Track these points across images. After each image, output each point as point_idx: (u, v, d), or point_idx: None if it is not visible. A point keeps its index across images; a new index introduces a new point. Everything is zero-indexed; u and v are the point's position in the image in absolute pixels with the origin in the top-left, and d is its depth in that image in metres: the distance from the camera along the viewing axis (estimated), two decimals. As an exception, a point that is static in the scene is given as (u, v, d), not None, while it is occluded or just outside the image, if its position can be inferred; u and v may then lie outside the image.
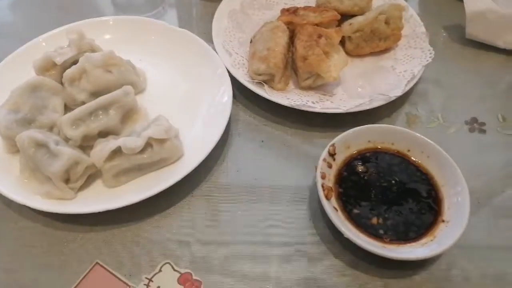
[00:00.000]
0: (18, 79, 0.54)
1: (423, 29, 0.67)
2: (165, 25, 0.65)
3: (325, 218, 0.49)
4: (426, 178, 0.50)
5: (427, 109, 0.62)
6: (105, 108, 0.52)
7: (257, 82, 0.59)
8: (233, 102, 0.56)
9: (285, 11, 0.67)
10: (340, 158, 0.52)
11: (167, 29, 0.64)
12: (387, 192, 0.49)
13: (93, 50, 0.59)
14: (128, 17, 0.66)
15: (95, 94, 0.54)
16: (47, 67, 0.57)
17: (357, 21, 0.65)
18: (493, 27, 0.69)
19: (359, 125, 0.52)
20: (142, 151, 0.48)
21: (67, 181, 0.47)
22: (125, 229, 0.48)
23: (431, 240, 0.45)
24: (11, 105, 0.52)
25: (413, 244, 0.45)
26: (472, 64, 0.69)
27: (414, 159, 0.52)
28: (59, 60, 0.56)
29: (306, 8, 0.67)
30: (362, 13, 0.67)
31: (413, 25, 0.68)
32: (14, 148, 0.50)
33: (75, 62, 0.56)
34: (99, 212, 0.46)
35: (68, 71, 0.55)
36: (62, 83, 0.56)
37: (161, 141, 0.49)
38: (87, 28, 0.60)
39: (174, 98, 0.59)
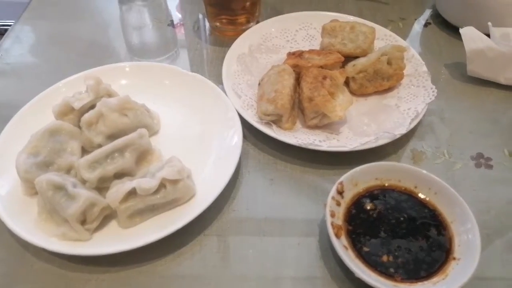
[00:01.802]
0: (38, 123, 0.57)
1: (424, 68, 0.70)
2: (177, 70, 0.68)
3: (335, 255, 0.49)
4: (434, 215, 0.51)
5: (432, 145, 0.64)
6: (120, 150, 0.54)
7: (265, 122, 0.61)
8: (243, 142, 0.58)
9: (291, 54, 0.70)
10: (348, 195, 0.53)
11: (180, 74, 0.68)
12: (396, 230, 0.49)
13: (109, 95, 0.62)
14: (143, 63, 0.69)
15: (111, 137, 0.57)
16: (66, 111, 0.60)
17: (360, 62, 0.67)
18: (493, 65, 0.71)
19: (365, 162, 0.54)
20: (156, 191, 0.50)
21: (83, 222, 0.49)
22: (139, 269, 0.49)
23: (443, 279, 0.45)
24: (31, 149, 0.54)
25: (425, 283, 0.45)
26: (475, 100, 0.71)
27: (422, 196, 0.53)
28: (77, 105, 0.59)
29: (311, 51, 0.70)
30: (364, 55, 0.70)
31: (415, 64, 0.71)
32: (32, 190, 0.52)
33: (92, 107, 0.59)
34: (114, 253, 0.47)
35: (86, 116, 0.58)
36: (79, 127, 0.58)
37: (174, 182, 0.50)
38: (104, 74, 0.64)
39: (186, 139, 0.61)
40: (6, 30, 0.85)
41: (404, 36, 0.81)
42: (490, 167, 0.61)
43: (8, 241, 0.51)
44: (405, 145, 0.63)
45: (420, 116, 0.62)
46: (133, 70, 0.68)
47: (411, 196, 0.53)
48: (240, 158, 0.57)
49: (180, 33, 0.83)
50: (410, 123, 0.61)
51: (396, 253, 0.47)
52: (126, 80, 0.67)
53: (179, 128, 0.63)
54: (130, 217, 0.50)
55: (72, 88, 0.63)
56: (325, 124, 0.63)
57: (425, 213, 0.51)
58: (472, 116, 0.68)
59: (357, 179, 0.53)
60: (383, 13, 0.87)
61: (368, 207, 0.52)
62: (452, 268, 0.46)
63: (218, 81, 0.68)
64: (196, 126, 0.63)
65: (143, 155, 0.57)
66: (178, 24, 0.85)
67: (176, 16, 0.87)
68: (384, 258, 0.47)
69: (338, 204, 0.51)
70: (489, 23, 0.71)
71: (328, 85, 0.62)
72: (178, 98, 0.66)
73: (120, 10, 0.89)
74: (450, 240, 0.48)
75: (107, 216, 0.51)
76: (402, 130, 0.60)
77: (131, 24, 0.87)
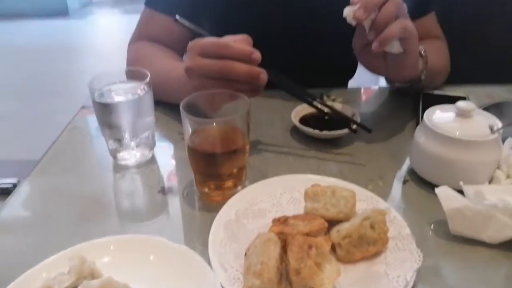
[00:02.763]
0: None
1: (408, 230, 0.71)
2: (163, 242, 0.68)
3: None
4: None
5: (428, 315, 0.61)
6: None
7: (252, 299, 0.59)
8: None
9: (276, 221, 0.72)
10: None
11: (165, 247, 0.68)
12: None
13: (93, 274, 0.61)
14: (128, 237, 0.70)
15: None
16: (46, 295, 0.58)
17: (344, 227, 0.69)
18: (473, 223, 0.73)
19: None
20: None
21: None
22: None
23: None
24: None
25: None
26: (463, 261, 0.70)
27: None
28: (58, 288, 0.57)
29: (295, 217, 0.72)
30: (347, 219, 0.72)
31: (398, 226, 0.72)
32: None
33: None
34: None
35: (65, 301, 0.56)
36: (58, 313, 0.56)
37: None
38: (89, 250, 0.64)
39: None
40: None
41: (385, 194, 0.85)
42: None
43: None
44: (400, 317, 0.60)
45: (411, 284, 0.61)
46: (118, 246, 0.68)
47: None
48: None
49: (170, 199, 0.87)
50: (401, 293, 0.59)
51: None
52: (110, 257, 0.67)
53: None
54: None
55: (56, 266, 0.63)
56: (314, 297, 0.61)
57: None
58: (462, 277, 0.67)
59: None
60: (362, 172, 0.93)
61: None
62: None
63: (205, 247, 0.68)
64: (180, 304, 0.60)
65: None
66: (168, 191, 0.89)
67: (167, 182, 0.91)
68: None
69: None
70: (461, 182, 0.76)
71: (314, 255, 0.62)
72: (162, 275, 0.65)
73: (114, 177, 0.94)
74: None
75: None
76: (394, 302, 0.58)
77: (123, 190, 0.91)
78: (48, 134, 1.10)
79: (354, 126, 1.00)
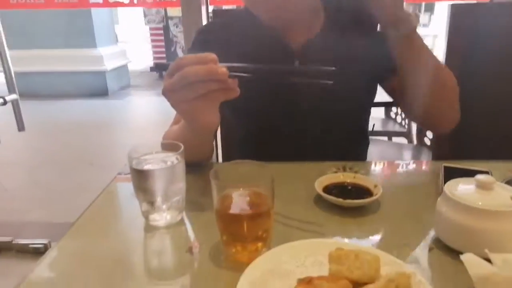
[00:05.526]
0: None
1: (433, 295, 0.70)
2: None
3: None
4: None
5: None
6: None
7: None
8: None
9: (301, 281, 0.73)
10: None
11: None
12: None
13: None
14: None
15: None
16: None
17: (369, 289, 0.69)
18: (502, 291, 0.71)
19: None
20: None
21: None
22: None
23: None
24: None
25: None
26: (496, 331, 0.68)
27: None
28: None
29: (320, 277, 0.73)
30: (372, 282, 0.72)
31: (424, 291, 0.72)
32: None
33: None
34: None
35: None
36: None
37: None
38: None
39: None
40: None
41: (410, 261, 0.85)
42: None
43: None
44: None
45: None
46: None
47: None
48: None
49: (197, 259, 0.89)
50: None
51: None
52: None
53: None
54: None
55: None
56: None
57: None
58: None
59: None
60: (387, 239, 0.94)
61: None
62: None
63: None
64: None
65: None
66: (196, 250, 0.92)
67: (195, 243, 0.95)
68: None
69: None
70: (486, 250, 0.76)
71: (338, 315, 0.62)
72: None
73: (145, 237, 0.98)
74: None
75: None
76: None
77: (152, 250, 0.94)
78: (84, 199, 1.17)
79: (377, 195, 1.03)
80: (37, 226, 2.66)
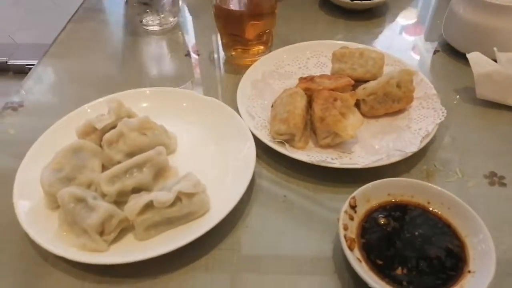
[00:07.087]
0: (63, 142, 0.60)
1: (434, 91, 0.71)
2: (194, 94, 0.72)
3: (349, 269, 0.49)
4: (448, 229, 0.51)
5: (444, 164, 0.64)
6: (139, 166, 0.57)
7: (278, 142, 0.63)
8: (257, 161, 0.60)
9: (302, 79, 0.73)
10: (361, 210, 0.53)
11: (197, 98, 0.71)
12: (410, 243, 0.49)
13: (130, 116, 0.65)
14: (163, 88, 0.74)
15: (131, 155, 0.59)
16: (88, 132, 0.63)
17: (370, 85, 0.70)
18: (501, 88, 0.72)
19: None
20: (172, 204, 0.51)
21: (101, 233, 0.50)
22: (155, 281, 0.50)
23: (459, 292, 0.44)
24: (54, 164, 0.57)
25: (441, 295, 0.44)
26: (486, 122, 0.72)
27: (434, 211, 0.53)
28: (99, 125, 0.62)
29: (322, 76, 0.73)
30: (374, 79, 0.72)
31: (424, 88, 0.73)
32: (54, 204, 0.54)
33: (113, 127, 0.62)
34: (130, 264, 0.48)
35: (107, 135, 0.60)
36: (101, 146, 0.61)
37: (190, 195, 0.52)
38: (126, 98, 0.67)
39: (202, 157, 0.63)
40: (29, 69, 0.89)
41: (414, 63, 0.84)
42: (504, 185, 0.61)
43: (30, 253, 0.53)
44: (417, 164, 0.64)
45: (431, 135, 0.64)
46: (153, 94, 0.72)
47: (424, 211, 0.53)
48: (253, 176, 0.59)
49: (196, 62, 0.88)
50: (421, 142, 0.62)
51: (410, 266, 0.47)
52: (146, 103, 0.71)
53: (195, 147, 0.65)
54: (146, 229, 0.51)
55: (96, 111, 0.67)
56: (337, 144, 0.64)
57: (438, 228, 0.51)
58: (483, 136, 0.69)
59: (370, 195, 0.54)
60: (392, 42, 0.91)
61: (382, 222, 0.52)
62: (468, 281, 0.45)
63: (233, 105, 0.70)
64: (211, 146, 0.65)
65: (160, 172, 0.59)
66: (195, 54, 0.89)
67: (193, 47, 0.92)
68: (398, 271, 0.47)
69: (351, 218, 0.52)
70: (495, 48, 0.74)
71: (339, 106, 0.64)
72: (195, 120, 0.69)
73: (140, 42, 0.94)
74: (465, 254, 0.48)
75: (124, 229, 0.53)
76: (414, 148, 0.61)
77: (150, 56, 0.92)
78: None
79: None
80: (30, 46, 2.56)
